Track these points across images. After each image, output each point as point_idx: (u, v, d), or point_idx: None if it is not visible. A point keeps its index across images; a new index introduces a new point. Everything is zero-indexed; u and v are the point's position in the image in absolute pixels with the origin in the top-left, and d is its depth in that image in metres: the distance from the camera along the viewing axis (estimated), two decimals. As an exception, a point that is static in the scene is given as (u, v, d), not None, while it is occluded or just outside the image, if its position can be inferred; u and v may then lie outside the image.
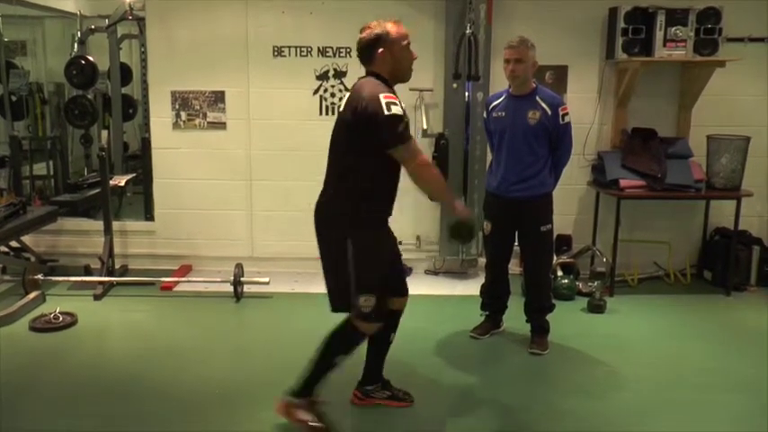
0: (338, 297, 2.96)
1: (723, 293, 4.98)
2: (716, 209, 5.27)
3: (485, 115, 4.03)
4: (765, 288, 5.10)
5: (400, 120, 2.72)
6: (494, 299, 4.13)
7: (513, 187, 3.80)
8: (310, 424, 2.97)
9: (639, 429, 3.14)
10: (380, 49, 2.83)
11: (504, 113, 3.82)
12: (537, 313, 3.99)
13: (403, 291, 3.17)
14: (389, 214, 2.97)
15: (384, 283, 2.94)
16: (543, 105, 3.72)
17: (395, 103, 2.73)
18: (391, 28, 2.85)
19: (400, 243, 3.30)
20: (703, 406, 3.34)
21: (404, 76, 2.92)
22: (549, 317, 4.01)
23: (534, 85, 3.79)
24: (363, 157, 2.81)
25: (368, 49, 2.87)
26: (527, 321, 4.03)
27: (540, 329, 3.98)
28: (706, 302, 4.86)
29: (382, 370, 3.29)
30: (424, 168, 2.86)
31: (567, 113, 3.76)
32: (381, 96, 2.71)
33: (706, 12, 4.82)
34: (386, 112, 2.68)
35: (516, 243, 4.00)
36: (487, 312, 4.18)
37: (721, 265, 5.09)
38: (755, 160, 5.02)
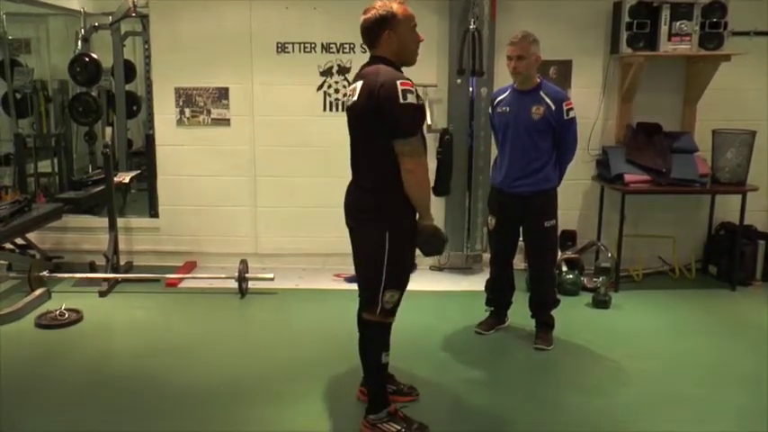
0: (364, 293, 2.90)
1: (728, 288, 4.97)
2: (721, 203, 5.25)
3: (489, 110, 4.03)
4: (771, 283, 5.09)
5: (414, 110, 2.67)
6: (498, 294, 4.13)
7: (516, 182, 3.80)
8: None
9: (644, 424, 3.14)
10: (386, 31, 2.74)
11: (508, 108, 3.82)
12: (541, 309, 3.99)
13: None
14: None
15: (407, 276, 2.92)
16: (547, 100, 3.71)
17: (411, 92, 2.65)
18: (397, 8, 2.75)
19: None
20: (708, 401, 3.33)
21: (410, 59, 2.82)
22: (554, 312, 4.00)
23: (539, 80, 3.78)
24: (388, 141, 2.70)
25: (372, 31, 2.77)
26: (532, 317, 4.02)
27: (544, 325, 3.97)
28: (711, 298, 4.85)
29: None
30: (420, 172, 2.72)
31: (571, 108, 3.74)
32: (398, 83, 2.63)
33: (711, 5, 4.80)
34: (401, 100, 2.62)
35: (521, 238, 4.00)
36: (492, 308, 4.17)
37: (726, 260, 5.08)
38: (761, 155, 5.00)
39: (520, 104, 3.76)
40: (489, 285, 4.17)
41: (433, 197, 2.91)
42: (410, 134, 2.68)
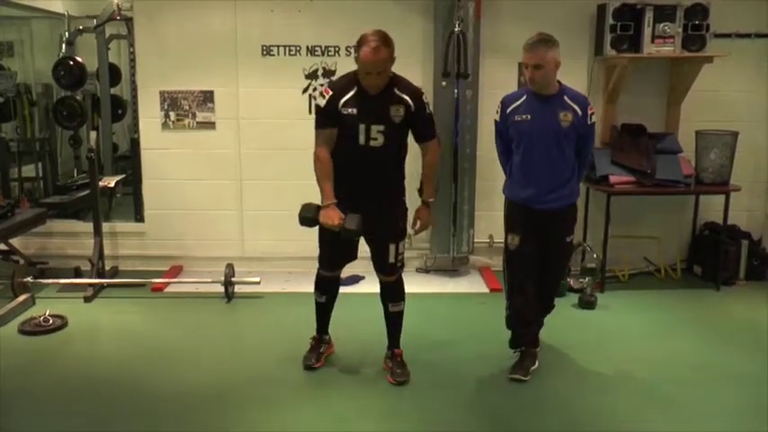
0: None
1: (713, 288, 5.01)
2: (705, 204, 5.29)
3: (497, 117, 3.59)
4: (754, 282, 5.14)
5: (317, 109, 3.37)
6: (528, 326, 3.64)
7: (546, 197, 3.45)
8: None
9: (631, 424, 3.16)
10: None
11: (529, 116, 3.42)
12: (542, 315, 3.75)
13: None
14: None
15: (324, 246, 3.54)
16: (573, 106, 3.40)
17: (322, 96, 3.33)
18: (361, 51, 3.19)
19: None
20: (694, 401, 3.36)
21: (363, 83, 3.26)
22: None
23: (558, 84, 3.45)
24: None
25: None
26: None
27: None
28: (696, 297, 4.89)
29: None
30: (314, 158, 3.35)
31: (594, 113, 3.47)
32: (324, 87, 3.43)
33: (693, 8, 4.84)
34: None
35: None
36: (521, 348, 3.67)
37: (711, 260, 5.12)
38: (743, 155, 5.05)
39: (544, 111, 3.40)
40: (514, 322, 3.65)
41: None
42: (316, 126, 3.30)
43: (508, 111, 3.50)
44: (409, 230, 3.51)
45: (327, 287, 3.61)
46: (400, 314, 3.57)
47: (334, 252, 3.47)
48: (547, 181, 3.44)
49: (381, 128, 3.21)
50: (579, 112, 3.39)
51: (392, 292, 3.54)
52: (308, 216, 3.33)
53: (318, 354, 3.63)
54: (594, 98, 5.15)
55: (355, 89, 3.23)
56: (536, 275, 3.55)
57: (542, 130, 3.41)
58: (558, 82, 3.45)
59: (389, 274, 3.49)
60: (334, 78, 5.04)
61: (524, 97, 3.47)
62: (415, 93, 3.29)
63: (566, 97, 3.42)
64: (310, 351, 3.64)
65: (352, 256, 3.51)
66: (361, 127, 3.21)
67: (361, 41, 3.14)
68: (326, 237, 3.39)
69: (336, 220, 3.21)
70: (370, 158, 3.26)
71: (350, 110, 3.21)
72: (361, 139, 3.23)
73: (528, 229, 3.50)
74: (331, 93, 3.26)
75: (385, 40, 3.14)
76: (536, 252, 3.52)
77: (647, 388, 3.47)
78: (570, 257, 3.89)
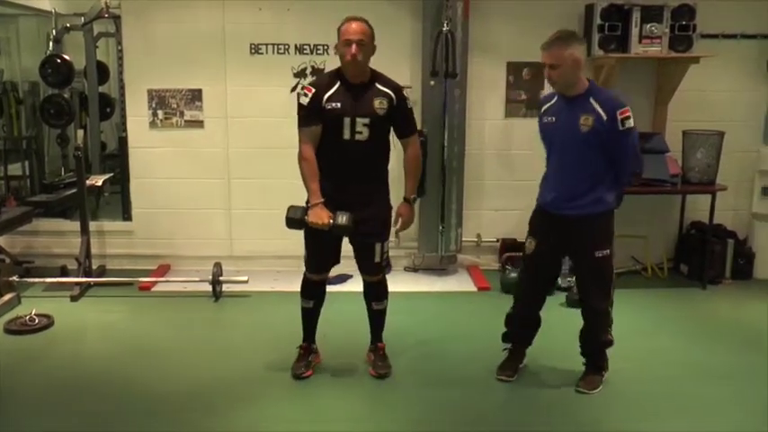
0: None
1: (699, 287, 5.05)
2: (691, 203, 5.34)
3: (538, 119, 3.47)
4: (739, 281, 5.18)
5: (298, 107, 3.32)
6: (522, 331, 3.61)
7: (565, 204, 3.29)
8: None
9: (617, 423, 3.18)
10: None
11: (554, 118, 3.30)
12: (590, 347, 3.53)
13: None
14: None
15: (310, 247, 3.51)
16: (598, 109, 3.16)
17: (303, 94, 3.31)
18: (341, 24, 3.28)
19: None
20: (680, 398, 3.38)
21: (345, 70, 3.29)
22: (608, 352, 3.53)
23: (587, 84, 3.25)
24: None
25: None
26: (581, 354, 3.57)
27: (592, 366, 3.51)
28: (683, 296, 4.93)
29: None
30: (300, 157, 3.33)
31: (628, 117, 3.15)
32: (303, 85, 3.62)
33: (680, 9, 4.88)
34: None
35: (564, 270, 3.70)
36: (510, 345, 3.62)
37: (697, 259, 5.15)
38: (729, 155, 5.07)
39: (567, 114, 3.24)
40: (511, 321, 3.62)
41: None
42: (299, 125, 3.30)
43: (541, 111, 3.41)
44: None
45: (315, 291, 3.55)
46: (383, 311, 3.59)
47: (323, 254, 3.44)
48: (566, 187, 3.29)
49: (366, 120, 3.22)
50: (604, 116, 3.14)
51: (376, 291, 3.55)
52: (295, 218, 3.29)
53: (307, 362, 3.56)
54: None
55: (338, 84, 3.26)
56: (548, 283, 3.56)
57: (563, 134, 3.27)
58: (589, 81, 3.29)
59: (375, 274, 3.48)
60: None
61: (555, 98, 3.34)
62: (397, 87, 3.33)
63: (591, 99, 3.19)
64: (299, 360, 3.56)
65: (337, 258, 3.50)
66: (346, 120, 3.21)
67: (342, 23, 3.25)
68: (313, 239, 3.36)
69: (326, 219, 3.20)
70: (355, 154, 3.26)
71: (334, 104, 3.22)
72: (346, 134, 3.23)
73: (546, 235, 3.38)
74: (314, 90, 3.26)
75: (367, 21, 3.25)
76: (552, 260, 3.46)
77: (634, 385, 3.49)
78: (608, 278, 3.38)
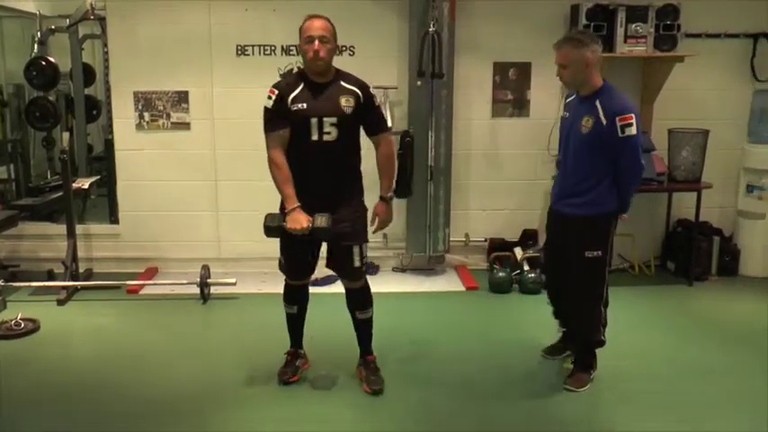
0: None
1: (686, 284, 5.08)
2: (678, 201, 5.37)
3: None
4: (725, 277, 5.23)
5: (264, 110, 3.22)
6: (560, 317, 3.73)
7: (563, 201, 3.39)
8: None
9: (605, 420, 3.19)
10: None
11: (568, 114, 3.38)
12: (577, 346, 3.59)
13: None
14: None
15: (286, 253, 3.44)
16: (599, 112, 3.15)
17: (269, 96, 3.22)
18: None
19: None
20: (668, 395, 3.40)
21: (308, 67, 3.24)
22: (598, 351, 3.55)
23: (599, 85, 3.24)
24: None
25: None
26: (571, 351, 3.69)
27: (580, 363, 3.53)
28: (670, 293, 4.96)
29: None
30: (269, 163, 3.26)
31: (629, 124, 3.11)
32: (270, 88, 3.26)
33: (665, 8, 4.91)
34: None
35: None
36: (565, 329, 3.71)
37: (683, 257, 5.19)
38: (714, 153, 5.12)
39: (576, 113, 3.29)
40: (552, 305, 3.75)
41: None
42: (266, 130, 3.23)
43: (563, 105, 3.51)
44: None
45: (297, 296, 3.50)
46: (369, 321, 3.46)
47: (300, 259, 3.36)
48: (566, 184, 3.37)
49: (334, 120, 3.15)
50: (603, 120, 3.14)
51: (359, 299, 3.42)
52: (273, 226, 3.20)
53: (294, 368, 3.52)
54: (568, 97, 5.21)
55: (302, 85, 3.19)
56: (557, 283, 3.59)
57: (569, 132, 3.34)
58: (604, 82, 3.26)
59: (356, 279, 3.38)
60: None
61: (575, 95, 3.38)
62: (363, 85, 3.26)
63: (597, 101, 3.18)
64: (286, 366, 3.52)
65: (314, 263, 3.42)
66: (313, 121, 3.13)
67: (303, 22, 3.22)
68: (290, 245, 3.29)
69: (305, 223, 3.11)
70: (325, 156, 3.18)
71: (300, 105, 3.15)
72: (314, 135, 3.15)
73: (552, 231, 3.54)
74: (277, 92, 3.18)
75: (329, 19, 3.22)
76: (559, 258, 3.48)
77: (622, 383, 3.51)
78: (598, 281, 3.37)
